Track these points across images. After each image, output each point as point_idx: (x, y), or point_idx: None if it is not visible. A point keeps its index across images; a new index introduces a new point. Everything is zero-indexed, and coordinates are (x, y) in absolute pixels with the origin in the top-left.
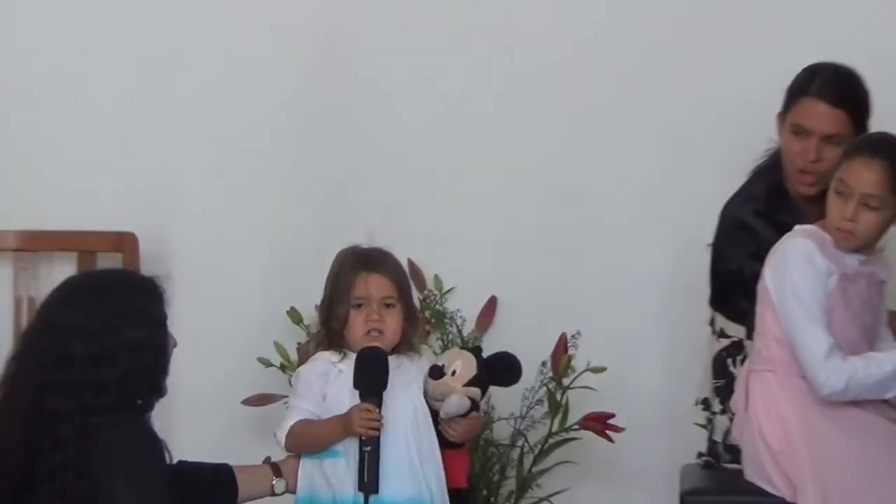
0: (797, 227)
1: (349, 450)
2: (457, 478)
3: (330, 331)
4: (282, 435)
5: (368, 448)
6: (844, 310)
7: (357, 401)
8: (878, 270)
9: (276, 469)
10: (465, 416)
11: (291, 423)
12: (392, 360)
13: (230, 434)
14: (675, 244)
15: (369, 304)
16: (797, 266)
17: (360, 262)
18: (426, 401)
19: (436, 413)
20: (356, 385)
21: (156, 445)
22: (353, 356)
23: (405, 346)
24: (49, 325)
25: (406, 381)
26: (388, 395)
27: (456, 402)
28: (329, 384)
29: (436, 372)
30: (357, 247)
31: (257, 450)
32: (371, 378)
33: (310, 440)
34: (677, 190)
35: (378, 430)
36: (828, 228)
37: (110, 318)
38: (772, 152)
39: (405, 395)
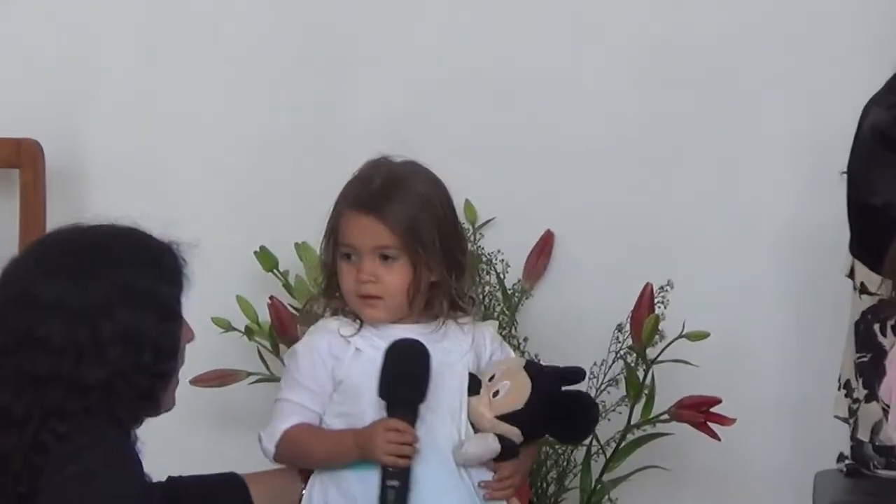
0: None
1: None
2: None
3: (325, 283)
4: (270, 443)
5: (396, 484)
6: None
7: (380, 410)
8: None
9: (307, 474)
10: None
11: (286, 426)
12: (417, 329)
13: (176, 426)
14: (805, 167)
15: (359, 257)
16: None
17: (353, 192)
18: None
19: None
20: (383, 393)
21: (128, 466)
22: (372, 331)
23: (437, 308)
24: (14, 296)
25: (451, 360)
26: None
27: (475, 448)
28: (344, 367)
29: (473, 384)
30: (373, 164)
31: (214, 448)
32: (405, 386)
33: (309, 457)
34: (806, 99)
35: (410, 457)
36: None
37: (106, 295)
38: None
39: (450, 377)
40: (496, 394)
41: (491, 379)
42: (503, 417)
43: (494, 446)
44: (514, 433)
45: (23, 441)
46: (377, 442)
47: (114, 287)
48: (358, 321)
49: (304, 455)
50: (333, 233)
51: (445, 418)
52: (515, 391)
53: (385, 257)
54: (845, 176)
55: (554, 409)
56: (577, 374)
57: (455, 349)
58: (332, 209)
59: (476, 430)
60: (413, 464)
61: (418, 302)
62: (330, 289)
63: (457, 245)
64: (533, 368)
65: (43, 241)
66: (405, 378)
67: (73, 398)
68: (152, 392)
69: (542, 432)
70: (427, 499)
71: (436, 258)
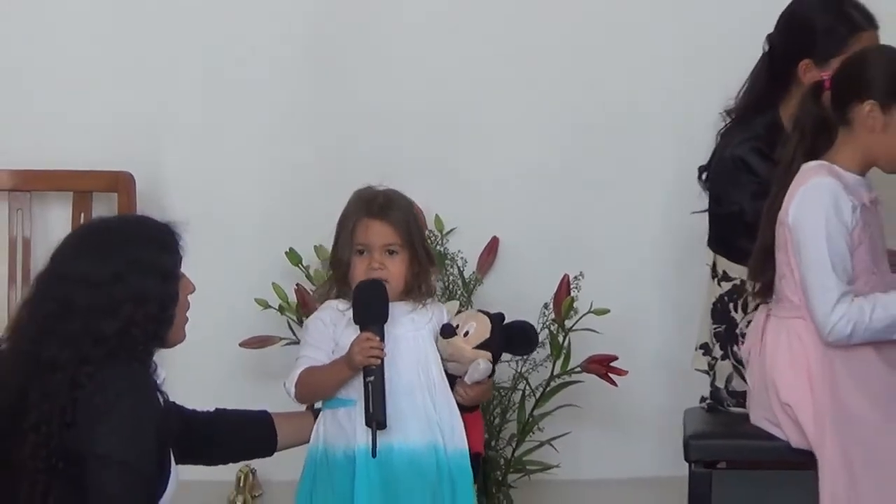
0: (810, 165)
1: (361, 397)
2: (473, 443)
3: (338, 275)
4: (290, 385)
5: (372, 378)
6: (868, 242)
7: None
8: (871, 190)
9: (317, 415)
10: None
11: (299, 371)
12: (403, 306)
13: (228, 378)
14: (682, 184)
15: (370, 252)
16: (823, 210)
17: (363, 207)
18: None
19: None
20: (356, 319)
21: (143, 390)
22: None
23: (415, 291)
24: (56, 274)
25: (416, 326)
26: (399, 342)
27: (483, 368)
28: (339, 332)
29: (447, 331)
30: (366, 190)
31: (256, 394)
32: (370, 308)
33: (318, 386)
34: (687, 128)
35: (380, 357)
36: (842, 159)
37: (118, 268)
38: (754, 90)
39: (416, 340)
40: (467, 333)
41: (457, 327)
42: (479, 346)
43: (490, 367)
44: (488, 356)
45: (64, 381)
46: (354, 349)
47: (125, 260)
48: (351, 301)
49: (314, 386)
50: (350, 235)
51: (412, 365)
52: (481, 327)
53: (391, 252)
54: (707, 189)
55: (509, 333)
56: (503, 316)
57: (420, 319)
58: (342, 221)
59: (457, 363)
60: (385, 365)
61: (408, 286)
62: (344, 280)
63: (429, 246)
64: (485, 312)
65: (75, 232)
66: (369, 304)
67: (98, 347)
68: (159, 333)
69: (502, 352)
70: (396, 423)
71: (421, 253)
